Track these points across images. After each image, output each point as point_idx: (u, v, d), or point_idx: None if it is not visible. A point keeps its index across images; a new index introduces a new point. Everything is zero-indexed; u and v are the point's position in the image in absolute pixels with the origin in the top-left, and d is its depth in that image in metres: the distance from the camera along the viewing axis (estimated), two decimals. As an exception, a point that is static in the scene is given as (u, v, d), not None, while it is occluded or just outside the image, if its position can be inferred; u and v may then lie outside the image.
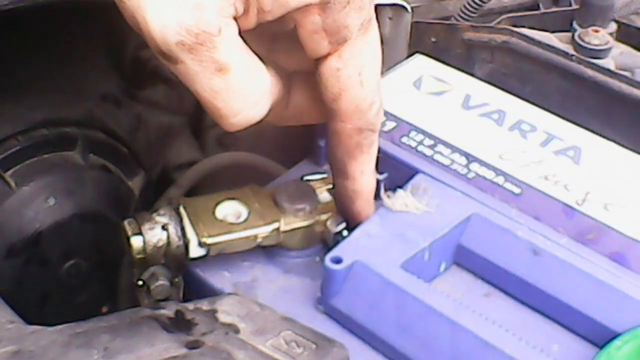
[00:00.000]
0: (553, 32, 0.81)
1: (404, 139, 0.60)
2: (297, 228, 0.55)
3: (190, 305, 0.48)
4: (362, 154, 0.51)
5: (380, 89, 0.50)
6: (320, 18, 0.45)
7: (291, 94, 0.51)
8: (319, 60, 0.47)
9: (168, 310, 0.47)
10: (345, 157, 0.51)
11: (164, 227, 0.52)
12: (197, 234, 0.53)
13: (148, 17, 0.41)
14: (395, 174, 0.58)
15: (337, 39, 0.46)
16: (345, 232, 0.54)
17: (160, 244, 0.52)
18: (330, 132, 0.50)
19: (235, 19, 0.43)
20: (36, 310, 0.67)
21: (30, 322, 0.48)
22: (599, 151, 0.59)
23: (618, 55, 0.79)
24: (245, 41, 0.44)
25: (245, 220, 0.54)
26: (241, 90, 0.44)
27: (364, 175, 0.52)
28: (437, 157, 0.59)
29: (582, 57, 0.75)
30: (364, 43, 0.47)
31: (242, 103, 0.45)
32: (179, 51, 0.41)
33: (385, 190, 0.55)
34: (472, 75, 0.67)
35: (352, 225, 0.55)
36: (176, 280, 0.54)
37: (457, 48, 0.80)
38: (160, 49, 0.42)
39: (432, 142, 0.60)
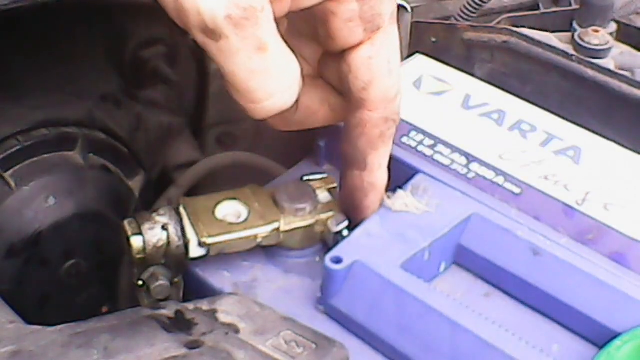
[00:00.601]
0: (553, 32, 0.81)
1: (404, 139, 0.60)
2: (297, 228, 0.55)
3: (190, 305, 0.48)
4: (383, 145, 0.52)
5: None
6: (358, 5, 0.46)
7: (300, 98, 0.51)
8: (349, 50, 0.48)
9: (168, 310, 0.47)
10: (368, 147, 0.51)
11: (164, 227, 0.52)
12: (197, 234, 0.53)
13: None
14: (395, 174, 0.58)
15: (372, 26, 0.47)
16: (345, 232, 0.54)
17: (160, 244, 0.52)
18: (355, 123, 0.51)
19: (271, 2, 0.44)
20: (36, 310, 0.67)
21: (30, 322, 0.48)
22: (599, 151, 0.59)
23: (618, 55, 0.79)
24: None
25: (245, 220, 0.54)
26: (277, 72, 0.45)
27: (381, 168, 0.53)
28: (437, 157, 0.59)
29: (582, 57, 0.75)
30: (392, 32, 0.48)
31: (276, 85, 0.45)
32: (225, 25, 0.42)
33: (386, 190, 0.55)
34: (472, 75, 0.67)
35: (356, 221, 0.54)
36: (176, 280, 0.54)
37: (457, 48, 0.80)
38: (207, 24, 0.42)
39: (432, 142, 0.60)
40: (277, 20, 0.45)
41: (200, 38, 0.43)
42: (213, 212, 0.54)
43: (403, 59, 0.71)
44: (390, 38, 0.49)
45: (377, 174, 0.53)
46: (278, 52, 0.44)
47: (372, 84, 0.49)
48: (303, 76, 0.48)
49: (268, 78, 0.45)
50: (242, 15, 0.42)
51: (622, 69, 0.76)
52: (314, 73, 0.50)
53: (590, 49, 0.76)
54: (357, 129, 0.51)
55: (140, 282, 0.54)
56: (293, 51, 0.46)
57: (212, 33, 0.42)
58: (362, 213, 0.54)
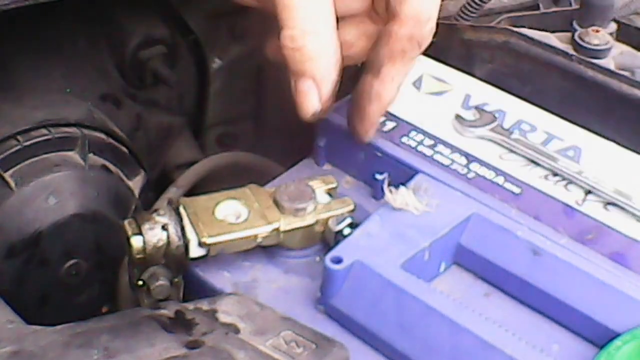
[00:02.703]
0: (553, 32, 0.81)
1: (404, 139, 0.60)
2: (297, 228, 0.55)
3: (190, 305, 0.48)
4: (402, 61, 0.54)
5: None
6: None
7: (342, 33, 0.55)
8: None
9: (168, 310, 0.47)
10: (387, 58, 0.54)
11: (164, 227, 0.52)
12: (197, 234, 0.53)
13: None
14: (395, 174, 0.58)
15: None
16: (346, 231, 0.54)
17: (160, 244, 0.52)
18: (382, 33, 0.54)
19: None
20: (36, 310, 0.67)
21: (30, 322, 0.48)
22: (599, 151, 0.59)
23: (618, 55, 0.79)
24: None
25: (245, 220, 0.54)
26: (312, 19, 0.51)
27: (392, 82, 0.55)
28: (437, 157, 0.59)
29: (582, 57, 0.75)
30: None
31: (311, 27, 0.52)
32: None
33: (389, 185, 0.55)
34: (472, 75, 0.67)
35: (354, 132, 0.57)
36: (176, 280, 0.54)
37: (457, 48, 0.80)
38: None
39: (432, 142, 0.60)
40: None
41: None
42: (213, 212, 0.54)
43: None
44: None
45: (387, 85, 0.55)
46: None
47: (409, 0, 0.52)
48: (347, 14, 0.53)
49: (298, 14, 0.51)
50: None
51: (622, 69, 0.76)
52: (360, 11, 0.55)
53: (590, 49, 0.76)
54: (383, 39, 0.54)
55: (140, 282, 0.54)
56: None
57: None
58: (360, 121, 0.56)
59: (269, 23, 0.54)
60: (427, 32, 0.54)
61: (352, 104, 0.57)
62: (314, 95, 0.54)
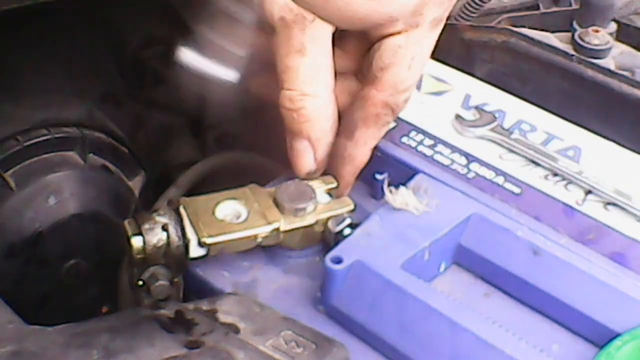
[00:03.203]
0: (553, 32, 0.81)
1: (404, 139, 0.60)
2: (297, 228, 0.55)
3: (190, 305, 0.48)
4: (375, 126, 0.56)
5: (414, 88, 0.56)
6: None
7: None
8: (384, 38, 0.53)
9: (168, 310, 0.47)
10: (360, 121, 0.55)
11: (164, 227, 0.52)
12: (197, 234, 0.53)
13: None
14: (395, 174, 0.58)
15: (412, 23, 0.52)
16: (346, 231, 0.54)
17: (160, 244, 0.52)
18: (359, 96, 0.55)
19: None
20: (36, 310, 0.67)
21: (30, 322, 0.48)
22: (599, 151, 0.59)
23: (618, 55, 0.79)
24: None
25: (245, 220, 0.54)
26: (307, 76, 0.53)
27: (365, 146, 0.56)
28: (437, 157, 0.59)
29: (582, 57, 0.75)
30: (428, 37, 0.53)
31: (303, 86, 0.53)
32: (277, 24, 0.51)
33: (389, 185, 0.55)
34: (472, 75, 0.67)
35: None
36: (176, 280, 0.54)
37: (457, 48, 0.80)
38: (267, 19, 0.51)
39: (432, 142, 0.60)
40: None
41: (262, 28, 0.52)
42: (213, 212, 0.54)
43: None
44: (424, 41, 0.53)
45: (360, 149, 0.56)
46: (315, 60, 0.52)
47: (390, 69, 0.53)
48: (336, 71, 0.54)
49: (298, 77, 0.53)
50: (292, 19, 0.50)
51: (622, 69, 0.76)
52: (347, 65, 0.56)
53: (590, 49, 0.76)
54: (359, 102, 0.55)
55: (140, 282, 0.53)
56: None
57: (269, 28, 0.52)
58: (338, 178, 0.57)
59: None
60: (402, 101, 0.55)
61: (328, 166, 0.58)
62: (309, 155, 0.56)
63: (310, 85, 0.53)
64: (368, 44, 0.55)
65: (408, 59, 0.53)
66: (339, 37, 0.55)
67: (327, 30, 0.52)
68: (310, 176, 0.57)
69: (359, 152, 0.56)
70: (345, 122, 0.56)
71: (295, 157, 0.56)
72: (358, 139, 0.56)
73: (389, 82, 0.54)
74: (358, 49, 0.56)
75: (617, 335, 0.48)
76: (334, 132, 0.56)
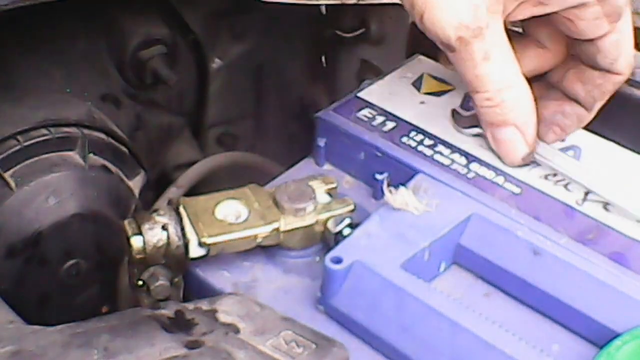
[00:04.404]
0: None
1: (404, 139, 0.60)
2: (297, 228, 0.55)
3: (190, 305, 0.48)
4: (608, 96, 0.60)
5: None
6: (600, 7, 0.53)
7: None
8: (596, 38, 0.55)
9: (168, 310, 0.47)
10: (599, 99, 0.59)
11: (164, 227, 0.52)
12: (197, 234, 0.53)
13: (435, 18, 0.51)
14: (395, 174, 0.58)
15: (616, 18, 0.54)
16: (345, 231, 0.54)
17: (160, 244, 0.52)
18: (597, 83, 0.58)
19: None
20: (36, 310, 0.67)
21: (30, 322, 0.48)
22: (599, 151, 0.59)
23: (618, 55, 0.78)
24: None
25: (245, 220, 0.54)
26: (498, 76, 0.54)
27: (595, 111, 0.60)
28: (437, 157, 0.59)
29: (582, 57, 0.75)
30: (629, 13, 0.55)
31: (495, 85, 0.54)
32: (456, 44, 0.52)
33: (389, 185, 0.55)
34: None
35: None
36: (176, 280, 0.54)
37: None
38: (442, 42, 0.52)
39: (432, 142, 0.60)
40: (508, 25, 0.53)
41: (441, 47, 0.53)
42: (213, 212, 0.54)
43: (403, 59, 0.71)
44: (629, 19, 0.56)
45: (593, 115, 0.60)
46: (500, 59, 0.53)
47: (619, 58, 0.56)
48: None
49: (490, 80, 0.54)
50: (471, 35, 0.51)
51: (622, 69, 0.76)
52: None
53: (590, 49, 0.76)
54: (598, 85, 0.58)
55: (140, 282, 0.54)
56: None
57: (447, 47, 0.52)
58: (556, 134, 0.59)
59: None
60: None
61: (547, 122, 0.59)
62: (519, 140, 0.56)
63: (503, 81, 0.54)
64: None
65: (628, 41, 0.56)
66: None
67: (501, 22, 0.52)
68: (525, 161, 0.57)
69: (591, 117, 0.60)
70: (582, 97, 0.58)
71: (506, 147, 0.57)
72: (594, 110, 0.59)
73: (623, 66, 0.57)
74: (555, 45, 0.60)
75: (617, 335, 0.48)
76: (535, 111, 0.57)
